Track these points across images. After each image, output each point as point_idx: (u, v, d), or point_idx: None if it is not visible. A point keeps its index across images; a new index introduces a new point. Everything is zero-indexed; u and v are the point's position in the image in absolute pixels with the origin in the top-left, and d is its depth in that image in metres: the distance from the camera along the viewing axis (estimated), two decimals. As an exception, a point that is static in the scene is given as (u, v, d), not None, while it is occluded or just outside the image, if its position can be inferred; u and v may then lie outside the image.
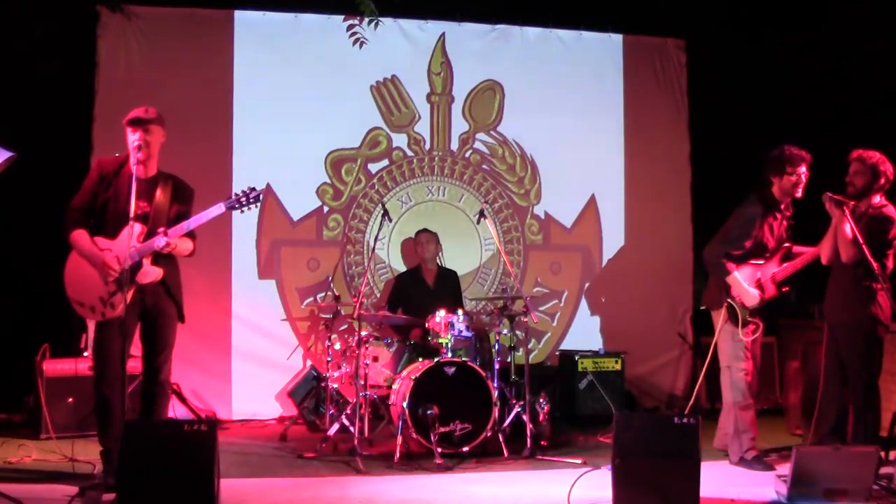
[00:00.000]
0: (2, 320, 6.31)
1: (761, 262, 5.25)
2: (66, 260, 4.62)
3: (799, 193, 5.20)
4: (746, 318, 5.16)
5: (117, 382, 4.35)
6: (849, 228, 4.74)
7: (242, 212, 4.69)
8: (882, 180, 4.92)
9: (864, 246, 4.67)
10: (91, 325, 6.13)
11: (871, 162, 4.91)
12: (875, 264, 4.69)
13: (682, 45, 7.90)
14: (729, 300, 5.20)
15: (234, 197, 4.62)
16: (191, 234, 4.70)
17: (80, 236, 4.58)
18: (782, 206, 5.27)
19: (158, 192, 4.63)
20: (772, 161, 5.21)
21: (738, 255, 5.22)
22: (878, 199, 4.96)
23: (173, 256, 4.72)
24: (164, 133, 4.69)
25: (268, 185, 7.06)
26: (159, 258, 4.61)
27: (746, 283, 5.18)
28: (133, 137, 4.54)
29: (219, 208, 4.58)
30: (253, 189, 4.65)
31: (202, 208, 4.65)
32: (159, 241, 4.48)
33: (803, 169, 5.15)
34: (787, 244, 5.29)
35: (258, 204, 4.67)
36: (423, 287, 6.78)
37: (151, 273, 4.56)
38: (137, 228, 4.47)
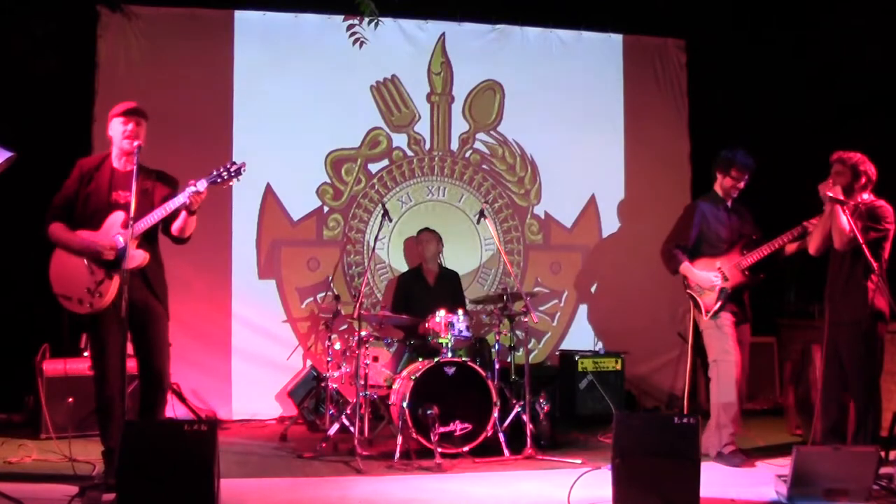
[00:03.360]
0: (2, 320, 6.30)
1: (718, 254, 5.41)
2: (50, 259, 4.59)
3: (734, 194, 5.46)
4: (711, 303, 5.30)
5: (118, 381, 4.33)
6: (845, 220, 4.74)
7: (224, 186, 4.63)
8: (863, 179, 4.96)
9: (863, 246, 4.67)
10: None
11: (851, 162, 4.97)
12: (875, 264, 4.70)
13: (682, 45, 7.91)
14: (688, 291, 5.43)
15: (214, 173, 4.56)
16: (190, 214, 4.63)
17: (57, 228, 4.58)
18: (728, 203, 5.50)
19: (140, 179, 4.55)
20: (722, 159, 5.47)
21: (691, 247, 5.44)
22: (867, 196, 4.99)
23: (156, 249, 4.69)
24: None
25: (268, 185, 7.09)
26: (143, 243, 4.57)
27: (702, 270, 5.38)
28: (127, 128, 4.55)
29: (201, 184, 4.51)
30: (233, 163, 4.60)
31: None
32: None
33: (745, 179, 5.42)
34: (754, 236, 5.42)
35: (240, 177, 4.59)
36: (424, 286, 6.78)
37: (137, 257, 4.51)
38: (120, 216, 4.48)
